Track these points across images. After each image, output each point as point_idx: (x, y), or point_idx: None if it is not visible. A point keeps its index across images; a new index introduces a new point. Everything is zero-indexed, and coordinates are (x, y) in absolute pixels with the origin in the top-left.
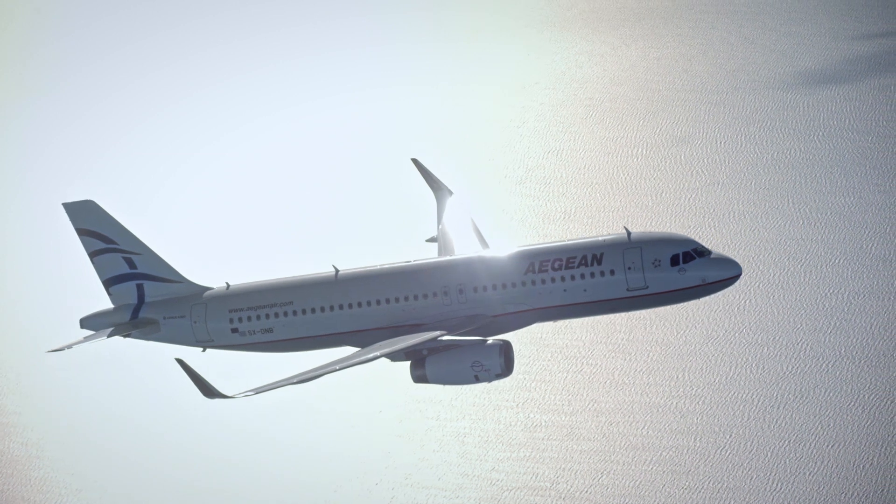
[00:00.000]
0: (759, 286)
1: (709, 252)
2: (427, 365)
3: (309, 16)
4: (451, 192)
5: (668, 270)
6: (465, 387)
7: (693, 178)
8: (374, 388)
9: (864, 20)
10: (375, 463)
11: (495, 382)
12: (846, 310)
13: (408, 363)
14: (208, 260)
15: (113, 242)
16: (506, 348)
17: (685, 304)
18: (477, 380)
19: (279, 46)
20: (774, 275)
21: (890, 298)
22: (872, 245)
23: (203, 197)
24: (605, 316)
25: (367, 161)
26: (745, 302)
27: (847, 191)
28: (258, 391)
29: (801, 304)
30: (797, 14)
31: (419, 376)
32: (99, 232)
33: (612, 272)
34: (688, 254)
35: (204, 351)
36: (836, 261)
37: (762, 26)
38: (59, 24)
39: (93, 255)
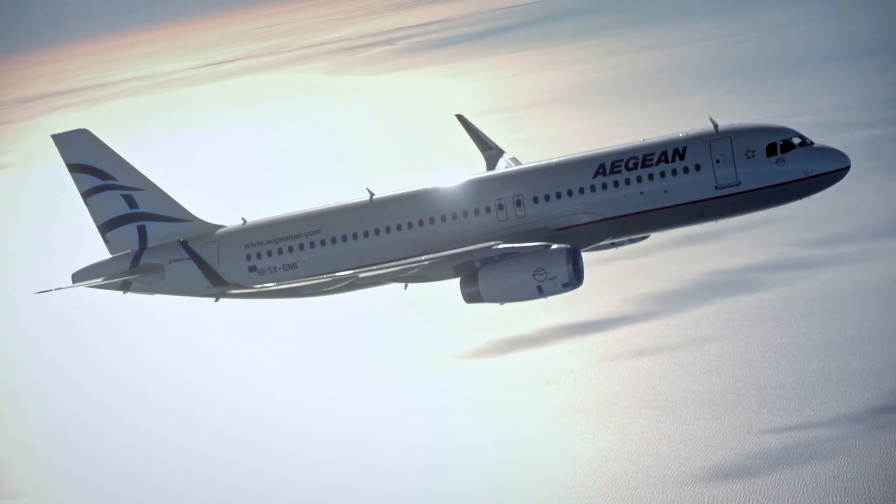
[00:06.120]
0: None
1: (811, 141)
2: (480, 279)
3: None
4: (502, 151)
5: (763, 162)
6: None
7: None
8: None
9: (780, 413)
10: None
11: (562, 296)
12: None
13: (457, 281)
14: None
15: (110, 178)
16: (574, 254)
17: None
18: (540, 292)
19: None
20: None
21: None
22: None
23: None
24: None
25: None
26: None
27: None
28: (279, 285)
29: None
30: (715, 408)
31: (471, 294)
32: (94, 166)
33: (698, 167)
34: (787, 142)
35: (216, 301)
36: None
37: (680, 420)
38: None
39: (87, 194)
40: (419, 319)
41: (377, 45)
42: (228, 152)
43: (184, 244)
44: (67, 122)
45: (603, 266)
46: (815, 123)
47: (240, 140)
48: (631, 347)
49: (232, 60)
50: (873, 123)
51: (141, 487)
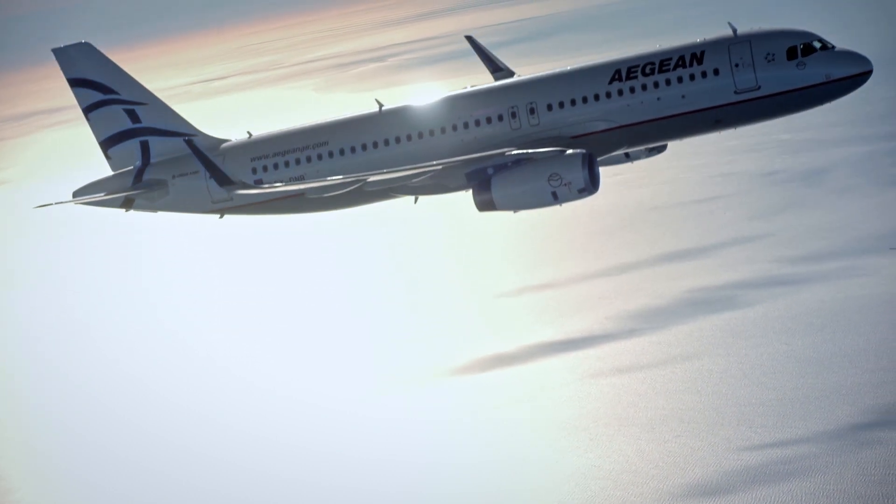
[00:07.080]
0: None
1: (832, 45)
2: (493, 186)
3: None
4: (513, 73)
5: (784, 66)
6: None
7: None
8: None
9: (758, 430)
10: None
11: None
12: None
13: (469, 194)
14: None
15: (112, 92)
16: (589, 159)
17: None
18: (555, 198)
19: None
20: None
21: None
22: None
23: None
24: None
25: None
26: None
27: None
28: (286, 185)
29: None
30: (694, 426)
31: (484, 202)
32: (95, 80)
33: (717, 72)
34: (808, 46)
35: (221, 217)
36: None
37: (658, 437)
38: None
39: (88, 109)
40: (416, 325)
41: (368, 62)
42: None
43: (189, 143)
44: (63, 138)
45: (586, 283)
46: (802, 140)
47: None
48: (611, 365)
49: (224, 77)
50: (864, 139)
51: (141, 487)
